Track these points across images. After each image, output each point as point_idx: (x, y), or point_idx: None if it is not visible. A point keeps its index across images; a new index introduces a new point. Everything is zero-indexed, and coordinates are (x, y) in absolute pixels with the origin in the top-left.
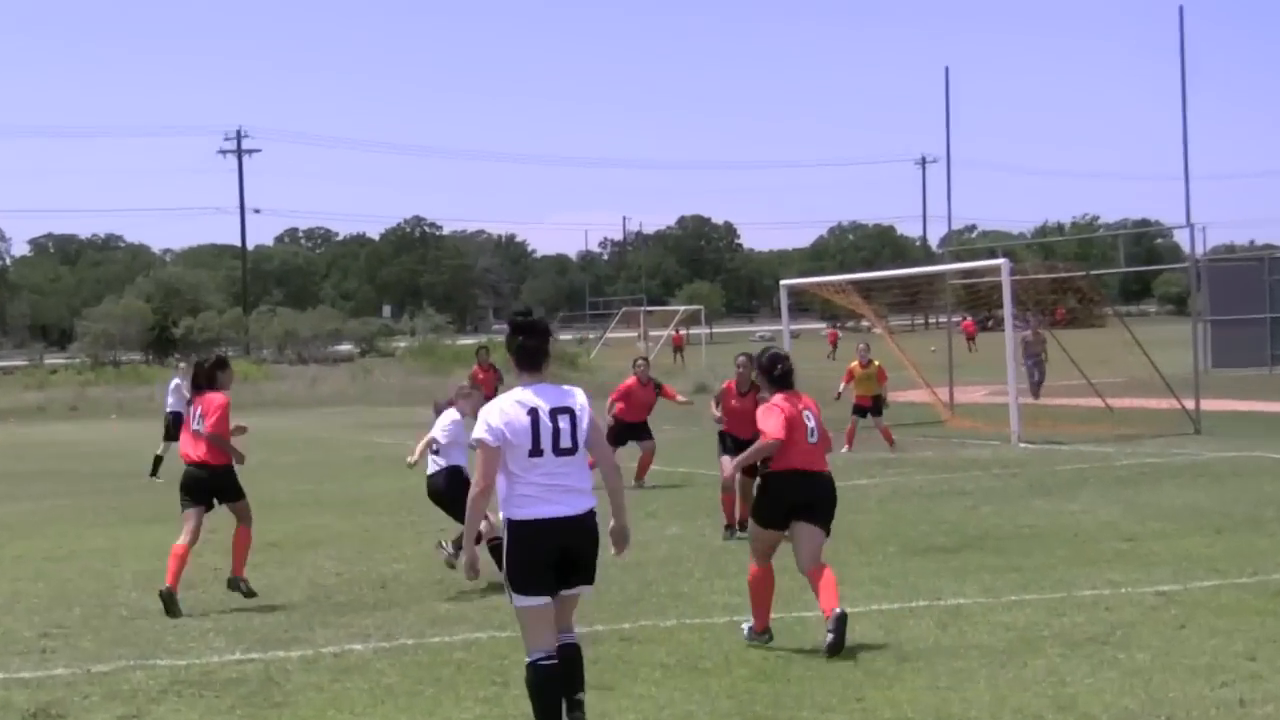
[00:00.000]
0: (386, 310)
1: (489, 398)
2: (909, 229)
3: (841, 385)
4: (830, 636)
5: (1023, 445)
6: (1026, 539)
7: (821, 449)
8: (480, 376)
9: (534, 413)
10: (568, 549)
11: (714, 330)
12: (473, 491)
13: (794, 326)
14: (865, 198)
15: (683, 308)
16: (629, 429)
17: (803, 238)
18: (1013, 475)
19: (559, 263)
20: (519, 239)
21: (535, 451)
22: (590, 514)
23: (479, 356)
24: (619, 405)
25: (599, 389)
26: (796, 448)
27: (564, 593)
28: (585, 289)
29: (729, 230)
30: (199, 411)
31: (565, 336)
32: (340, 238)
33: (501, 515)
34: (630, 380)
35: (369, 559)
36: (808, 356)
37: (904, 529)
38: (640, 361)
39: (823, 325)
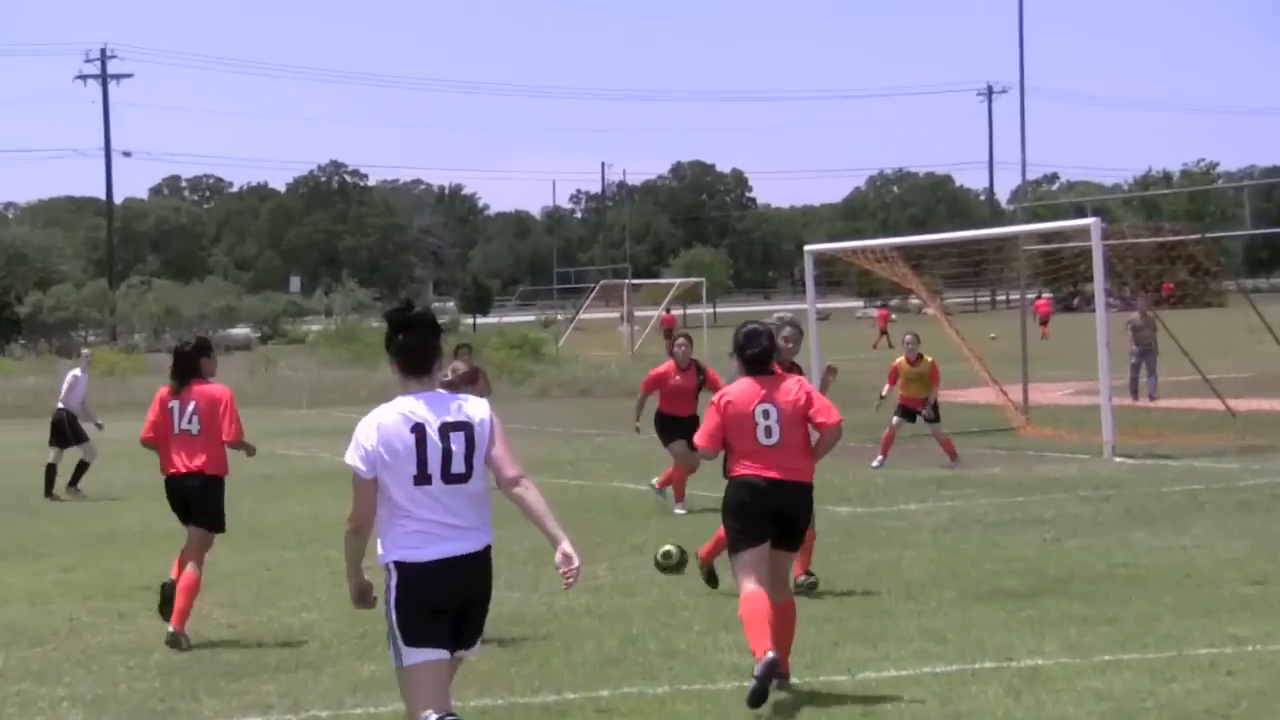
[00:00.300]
0: (295, 283)
1: None
2: (971, 179)
3: (884, 388)
4: (753, 682)
5: (1118, 459)
6: (1124, 582)
7: (787, 452)
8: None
9: (419, 429)
10: (463, 596)
11: (718, 310)
12: (346, 530)
13: (822, 305)
14: (914, 139)
15: (678, 280)
16: (675, 425)
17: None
18: (1105, 498)
19: (518, 222)
20: (467, 191)
21: (421, 478)
22: (486, 553)
23: (457, 359)
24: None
25: (568, 385)
26: (744, 451)
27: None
28: (552, 256)
29: (738, 181)
30: (191, 409)
31: (525, 318)
32: (235, 189)
33: (380, 558)
34: (665, 365)
35: (271, 606)
36: (843, 344)
37: (965, 568)
38: (681, 340)
39: (857, 304)
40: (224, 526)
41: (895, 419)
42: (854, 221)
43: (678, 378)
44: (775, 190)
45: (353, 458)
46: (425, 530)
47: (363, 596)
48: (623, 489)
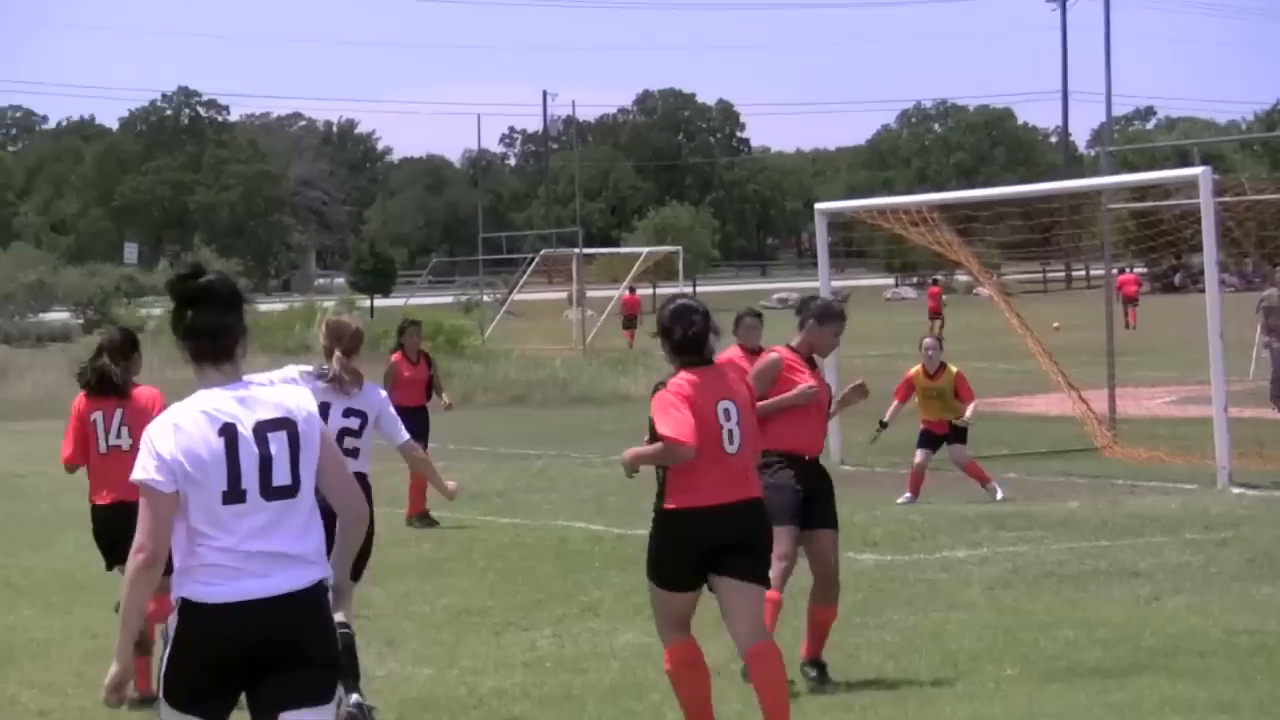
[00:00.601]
0: (130, 251)
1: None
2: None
3: (890, 408)
4: None
5: (1237, 490)
6: (1245, 654)
7: (745, 461)
8: (405, 374)
9: (229, 430)
10: (275, 645)
11: (700, 288)
12: (132, 564)
13: (840, 283)
14: (962, 61)
15: (646, 250)
16: None
17: (854, 130)
18: (1220, 543)
19: (432, 171)
20: (361, 130)
21: (233, 495)
22: (316, 590)
23: (402, 339)
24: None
25: (498, 389)
26: (707, 466)
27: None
28: (478, 216)
29: (725, 117)
30: (118, 420)
31: (440, 299)
32: (50, 126)
33: (173, 593)
34: (730, 350)
35: (96, 688)
36: (869, 335)
37: (1030, 636)
38: (750, 319)
39: (885, 280)
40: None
41: (919, 454)
42: (881, 171)
43: (747, 364)
44: (775, 129)
45: (146, 470)
46: (227, 564)
47: (122, 685)
48: (570, 529)
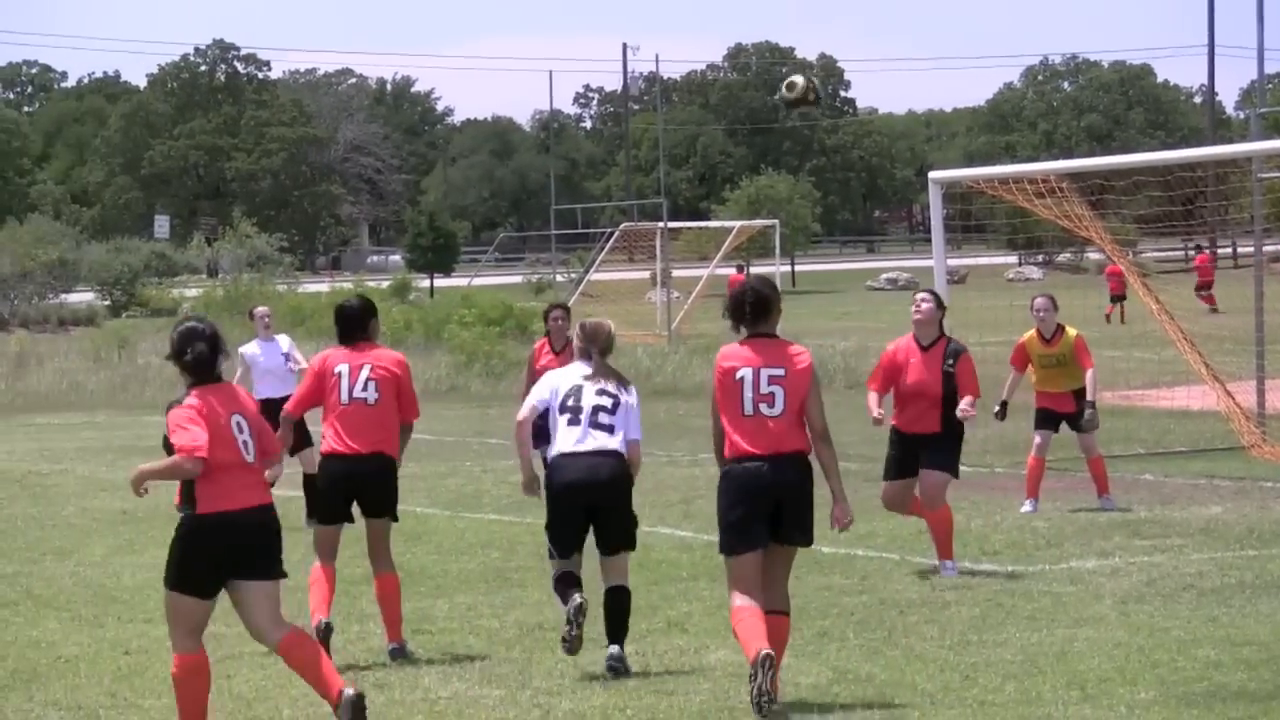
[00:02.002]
0: (161, 225)
1: None
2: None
3: (1008, 382)
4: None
5: None
6: None
7: (258, 469)
8: (542, 363)
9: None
10: None
11: (799, 268)
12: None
13: (956, 262)
14: (1092, 13)
15: (738, 223)
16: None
17: (973, 89)
18: None
19: (498, 134)
20: (420, 88)
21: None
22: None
23: (550, 323)
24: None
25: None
26: (229, 474)
27: None
28: (549, 185)
29: (828, 74)
30: (365, 376)
31: (508, 279)
32: (71, 84)
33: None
34: (900, 343)
35: (131, 709)
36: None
37: (1167, 656)
38: (924, 299)
39: (1008, 259)
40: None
41: (1037, 437)
42: (1003, 135)
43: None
44: (884, 88)
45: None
46: None
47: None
48: (654, 536)
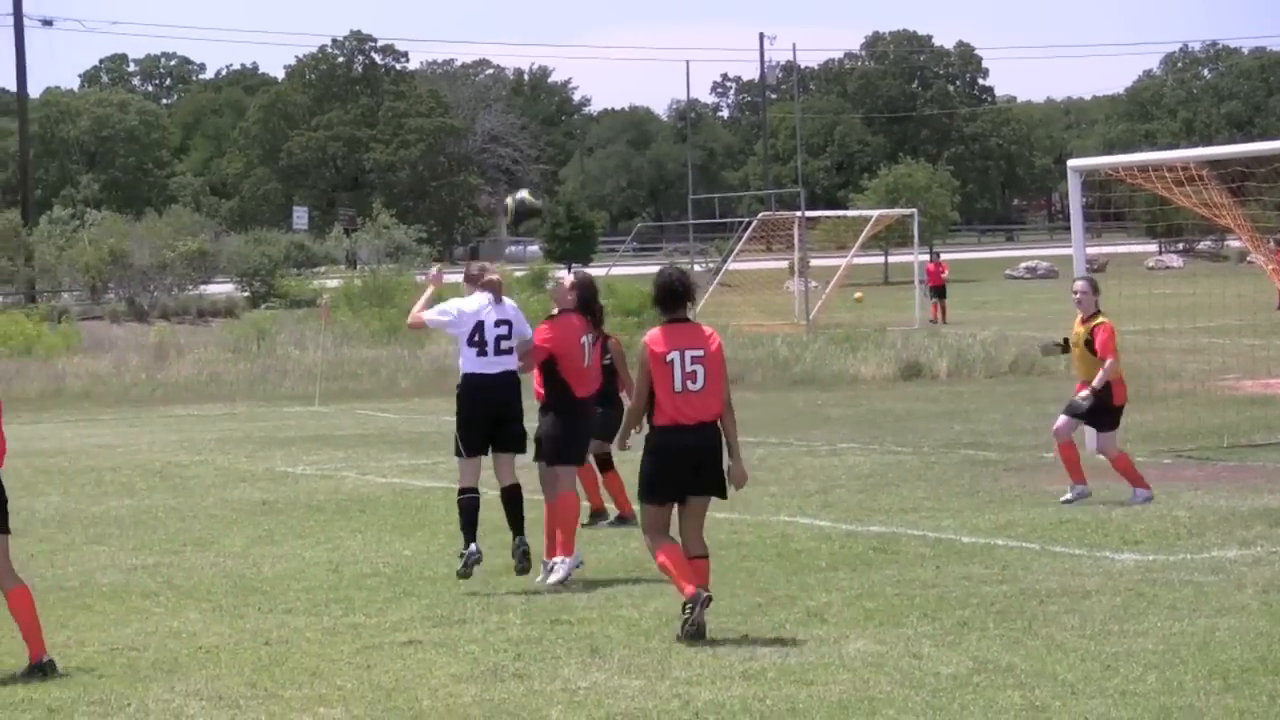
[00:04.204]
0: (300, 216)
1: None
2: None
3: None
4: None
5: None
6: None
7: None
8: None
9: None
10: None
11: (938, 254)
12: None
13: (1095, 250)
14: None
15: (877, 212)
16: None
17: (1112, 77)
18: None
19: (635, 124)
20: (556, 78)
21: None
22: None
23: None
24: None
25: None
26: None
27: None
28: (687, 175)
29: (965, 62)
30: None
31: (646, 269)
32: (209, 76)
33: None
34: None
35: (272, 699)
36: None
37: None
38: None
39: (1148, 247)
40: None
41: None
42: (1143, 123)
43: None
44: (1022, 76)
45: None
46: None
47: None
48: (794, 526)
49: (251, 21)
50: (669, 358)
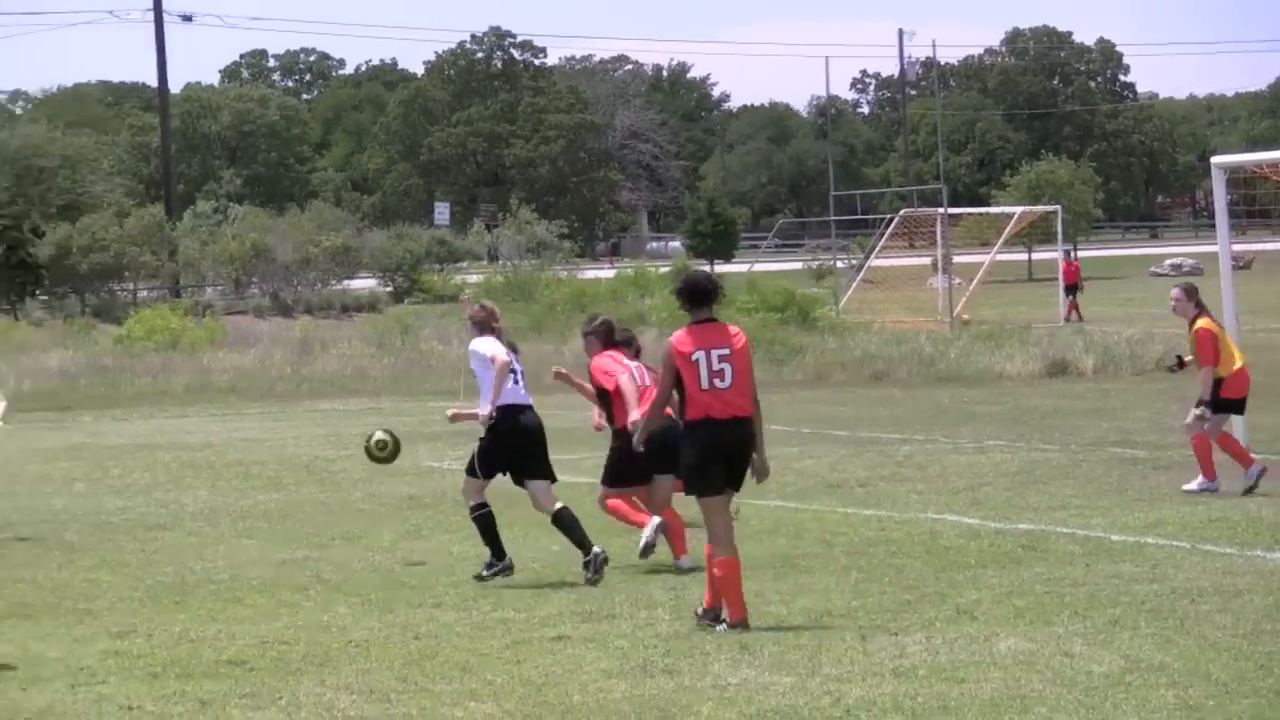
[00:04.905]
0: (441, 212)
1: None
2: None
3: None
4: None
5: None
6: None
7: None
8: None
9: None
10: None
11: (1080, 252)
12: None
13: (1241, 247)
14: None
15: (1019, 209)
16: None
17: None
18: None
19: (775, 121)
20: (696, 74)
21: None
22: None
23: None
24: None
25: (854, 367)
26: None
27: None
28: (827, 172)
29: (1107, 59)
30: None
31: (788, 265)
32: (349, 71)
33: None
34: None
35: (423, 694)
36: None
37: None
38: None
39: None
40: None
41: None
42: None
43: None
44: (1164, 73)
45: None
46: None
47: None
48: (942, 523)
49: (391, 17)
50: (694, 357)
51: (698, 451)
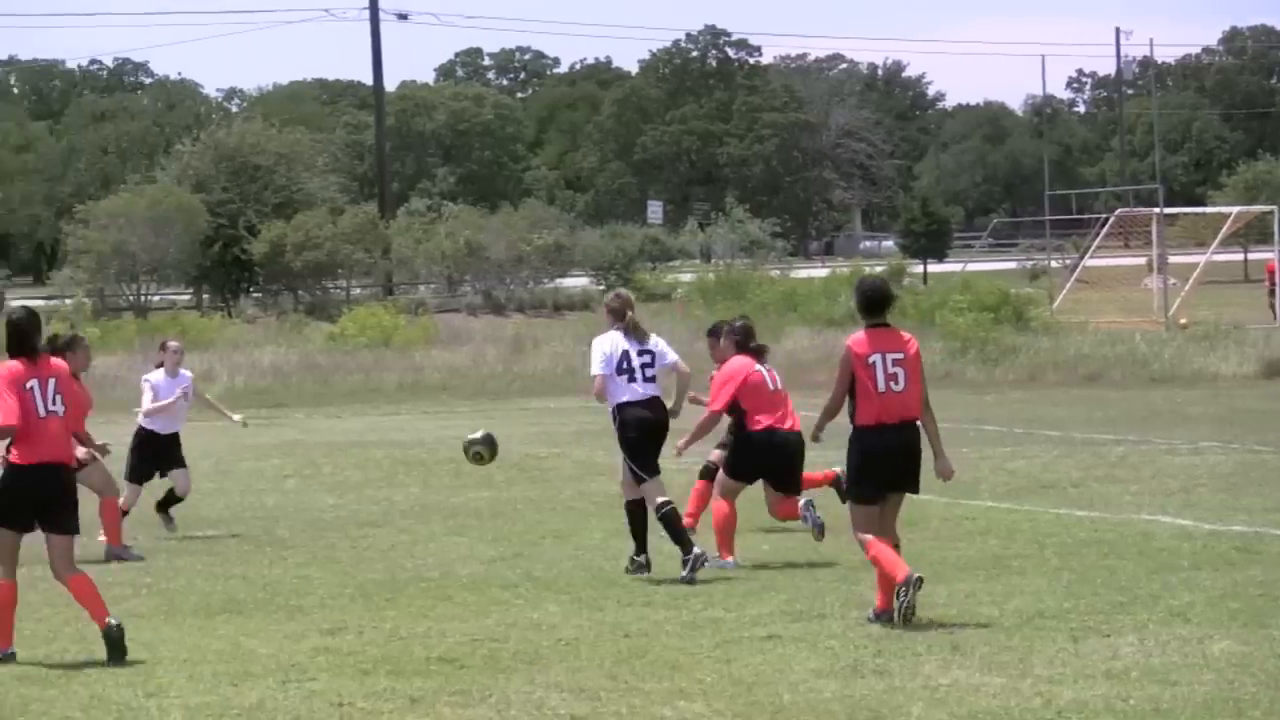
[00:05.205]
0: (655, 210)
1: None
2: None
3: None
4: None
5: None
6: None
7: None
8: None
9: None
10: None
11: None
12: None
13: None
14: None
15: (1235, 209)
16: None
17: None
18: None
19: (990, 119)
20: (910, 73)
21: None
22: None
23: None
24: None
25: (1068, 367)
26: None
27: None
28: (1043, 171)
29: None
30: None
31: (1002, 265)
32: (563, 70)
33: None
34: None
35: (633, 693)
36: None
37: None
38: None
39: None
40: None
41: None
42: None
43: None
44: None
45: None
46: None
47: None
48: (1155, 524)
49: (605, 16)
50: (870, 360)
51: (862, 456)
